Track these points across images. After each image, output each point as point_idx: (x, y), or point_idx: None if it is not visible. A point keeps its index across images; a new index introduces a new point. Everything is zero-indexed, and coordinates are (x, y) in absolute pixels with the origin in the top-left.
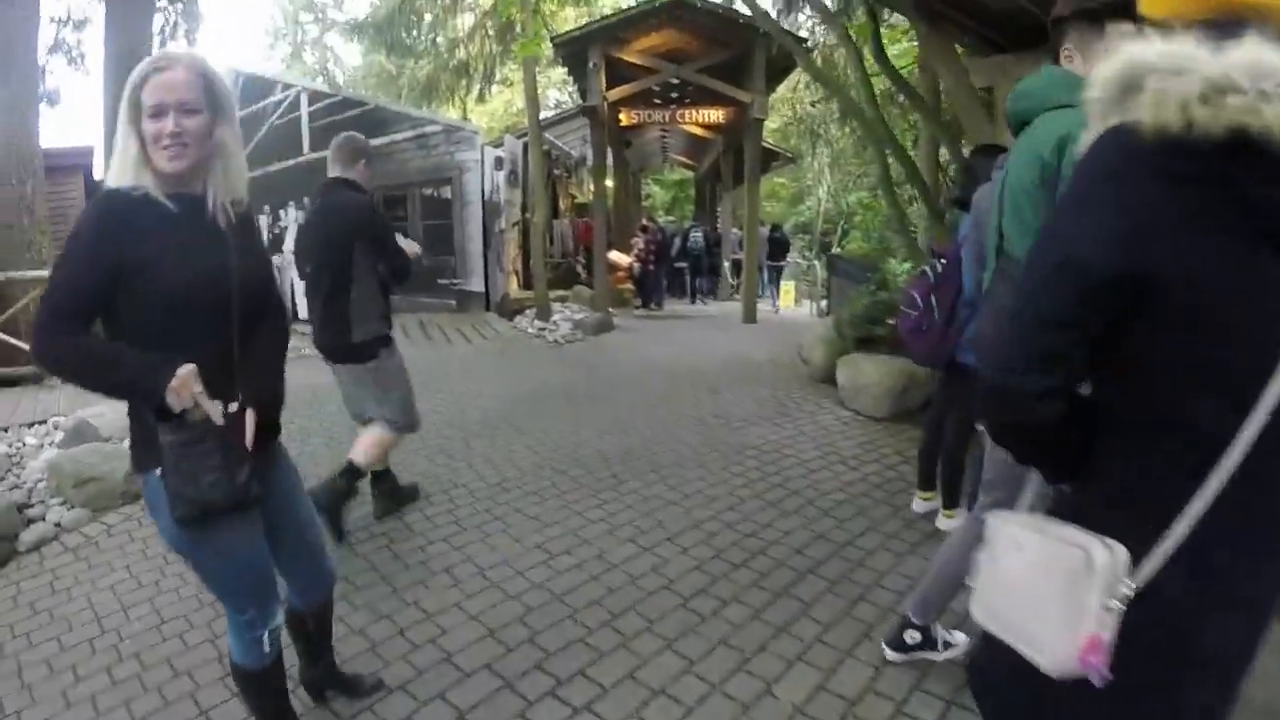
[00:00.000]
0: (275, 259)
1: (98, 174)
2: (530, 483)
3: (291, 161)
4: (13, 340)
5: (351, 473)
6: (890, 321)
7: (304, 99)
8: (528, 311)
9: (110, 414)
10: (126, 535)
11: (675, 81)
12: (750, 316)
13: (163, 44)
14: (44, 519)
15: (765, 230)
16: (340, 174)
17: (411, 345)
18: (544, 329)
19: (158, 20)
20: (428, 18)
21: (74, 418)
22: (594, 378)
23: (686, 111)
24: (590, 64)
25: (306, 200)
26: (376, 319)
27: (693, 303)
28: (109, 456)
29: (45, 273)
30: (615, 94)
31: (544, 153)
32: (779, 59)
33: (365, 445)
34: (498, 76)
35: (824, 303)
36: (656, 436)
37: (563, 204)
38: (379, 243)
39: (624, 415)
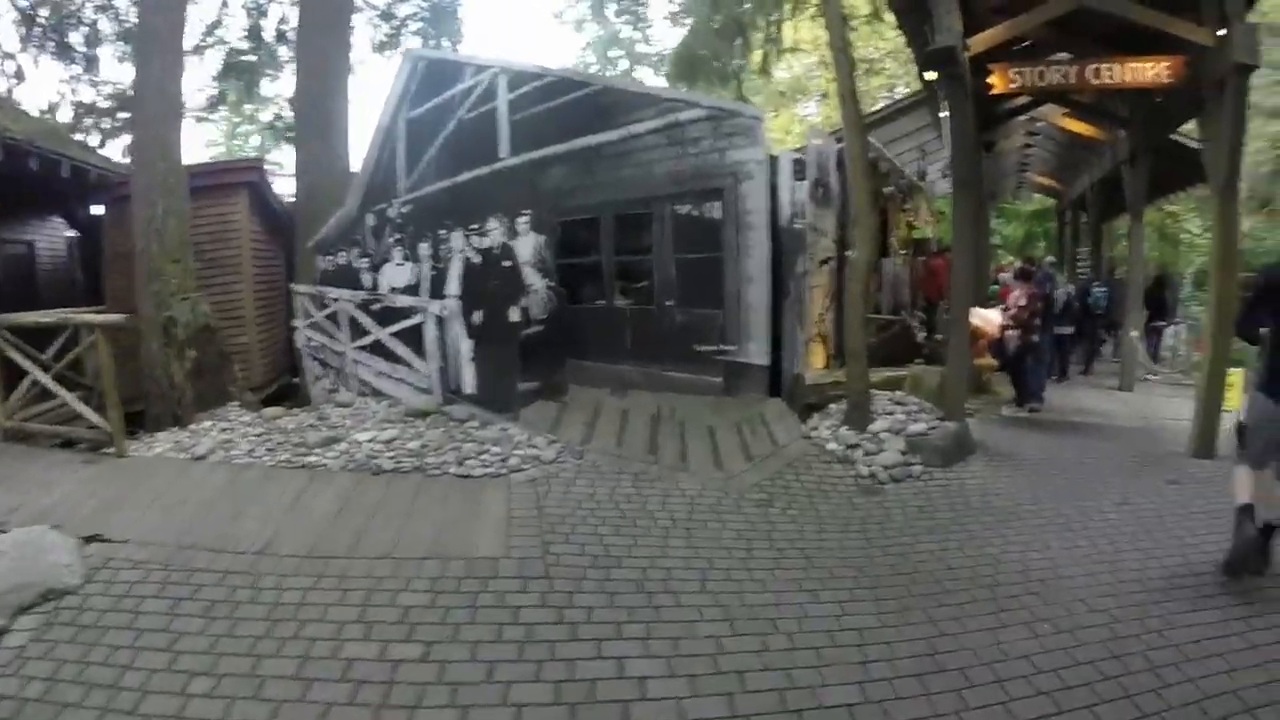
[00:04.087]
0: (434, 306)
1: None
2: None
3: (486, 169)
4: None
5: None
6: None
7: (502, 84)
8: (833, 408)
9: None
10: None
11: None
12: (1206, 444)
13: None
14: None
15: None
16: None
17: (619, 460)
18: (855, 445)
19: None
20: None
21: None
22: (958, 651)
23: (1102, 68)
24: None
25: (494, 222)
26: None
27: (1085, 372)
28: None
29: (114, 318)
30: (982, 40)
31: (868, 157)
32: None
33: None
34: (785, 41)
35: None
36: None
37: (892, 238)
38: None
39: None
